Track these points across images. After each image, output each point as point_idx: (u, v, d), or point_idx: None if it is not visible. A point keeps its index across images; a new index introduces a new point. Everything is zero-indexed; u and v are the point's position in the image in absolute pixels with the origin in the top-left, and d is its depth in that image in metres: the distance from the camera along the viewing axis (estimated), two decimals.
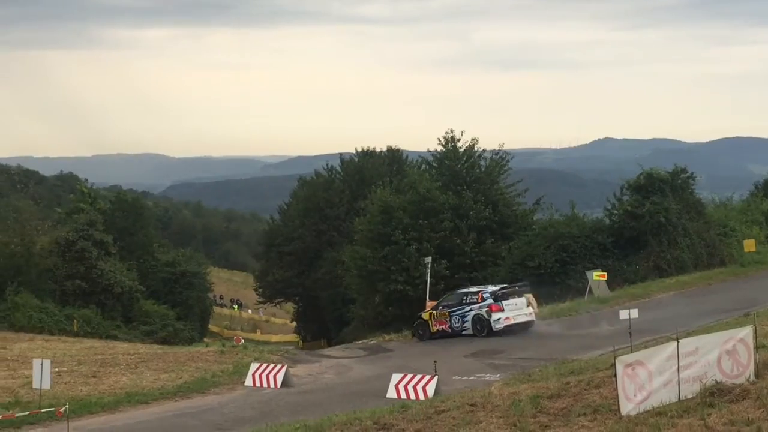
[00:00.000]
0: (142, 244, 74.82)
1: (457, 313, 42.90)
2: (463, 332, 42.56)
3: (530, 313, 42.30)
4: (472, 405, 20.28)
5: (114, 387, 32.78)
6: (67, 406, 23.13)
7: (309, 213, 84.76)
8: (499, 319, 41.35)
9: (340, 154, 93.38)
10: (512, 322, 41.46)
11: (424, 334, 43.98)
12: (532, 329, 42.27)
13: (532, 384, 22.92)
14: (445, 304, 43.86)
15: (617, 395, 17.45)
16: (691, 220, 58.42)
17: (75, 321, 55.27)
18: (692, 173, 61.63)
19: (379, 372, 34.25)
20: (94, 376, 35.15)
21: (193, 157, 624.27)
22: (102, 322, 57.33)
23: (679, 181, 59.68)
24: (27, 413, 25.62)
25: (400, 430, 18.78)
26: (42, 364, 25.36)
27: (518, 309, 42.06)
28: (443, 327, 43.28)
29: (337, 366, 38.40)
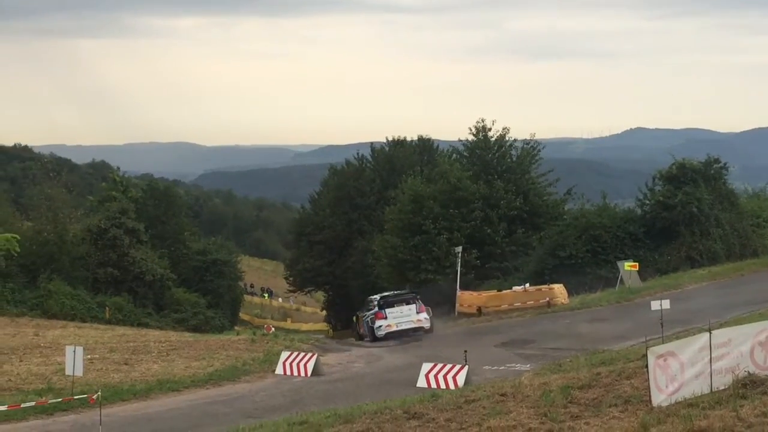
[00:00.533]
0: (174, 232, 75.22)
1: (364, 318, 45.09)
2: (367, 337, 44.29)
3: (419, 320, 42.96)
4: (502, 395, 20.27)
5: (146, 374, 32.98)
6: (99, 393, 23.28)
7: (339, 202, 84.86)
8: (380, 326, 42.71)
9: (371, 143, 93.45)
10: (394, 329, 42.46)
11: (358, 336, 46.57)
12: (565, 320, 42.49)
13: (563, 374, 22.88)
14: (363, 308, 46.01)
15: (648, 386, 17.38)
16: (723, 211, 58.03)
17: (107, 308, 55.67)
18: (725, 163, 61.21)
19: (410, 361, 34.27)
20: (126, 364, 35.40)
21: (224, 145, 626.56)
22: (134, 309, 57.72)
23: (712, 172, 59.30)
24: (60, 400, 25.81)
25: (430, 419, 18.78)
26: (75, 351, 25.49)
27: (403, 316, 42.86)
28: (361, 330, 45.49)
29: (367, 355, 38.48)
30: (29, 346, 40.41)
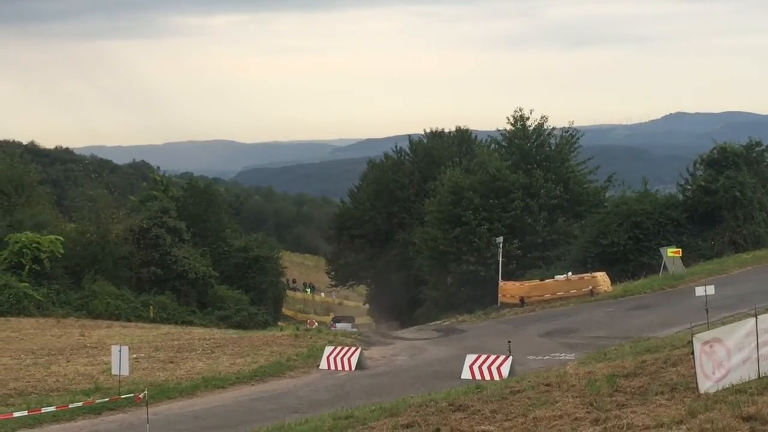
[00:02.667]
0: (215, 230, 75.45)
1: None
2: None
3: (352, 331, 53.42)
4: (547, 385, 20.18)
5: (191, 372, 33.12)
6: (145, 391, 23.38)
7: (379, 195, 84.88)
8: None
9: (409, 135, 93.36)
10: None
11: None
12: (608, 308, 42.76)
13: (608, 363, 22.74)
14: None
15: (695, 373, 17.21)
16: (767, 194, 57.43)
17: (151, 307, 56.07)
18: (767, 146, 60.59)
19: (453, 353, 34.22)
20: (171, 362, 35.58)
21: (262, 142, 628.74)
22: (177, 308, 58.10)
23: (754, 155, 58.74)
24: (107, 399, 25.95)
25: (476, 411, 18.71)
26: (120, 351, 25.66)
27: (345, 327, 60.20)
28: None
29: (410, 348, 38.44)
30: (75, 346, 40.71)
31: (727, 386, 16.88)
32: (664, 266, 48.66)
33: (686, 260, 49.54)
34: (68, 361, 36.15)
